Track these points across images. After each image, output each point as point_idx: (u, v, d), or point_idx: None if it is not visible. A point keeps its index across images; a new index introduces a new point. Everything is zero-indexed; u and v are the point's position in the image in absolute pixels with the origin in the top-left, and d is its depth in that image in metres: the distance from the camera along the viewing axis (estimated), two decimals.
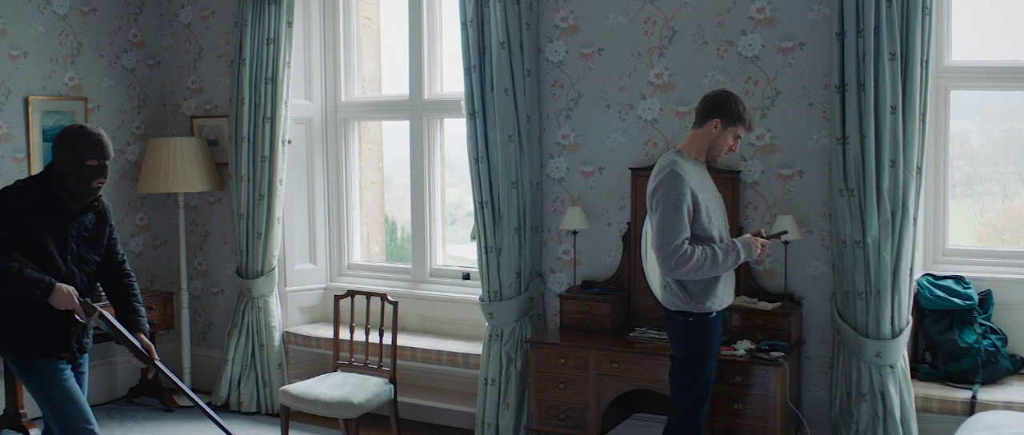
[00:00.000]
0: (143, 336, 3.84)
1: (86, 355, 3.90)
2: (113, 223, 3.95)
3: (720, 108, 3.87)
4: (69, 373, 3.73)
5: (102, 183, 3.71)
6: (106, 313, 3.69)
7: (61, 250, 3.69)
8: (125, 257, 4.03)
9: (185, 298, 6.21)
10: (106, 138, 3.72)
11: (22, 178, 3.82)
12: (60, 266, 3.68)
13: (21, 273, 3.53)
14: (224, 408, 5.91)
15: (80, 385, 3.82)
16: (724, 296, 3.96)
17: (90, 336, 3.88)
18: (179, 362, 6.20)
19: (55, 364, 3.69)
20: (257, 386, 5.89)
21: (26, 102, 5.72)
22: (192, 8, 6.33)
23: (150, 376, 3.86)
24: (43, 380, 3.67)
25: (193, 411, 5.69)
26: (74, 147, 3.64)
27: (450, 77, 5.79)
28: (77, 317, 3.64)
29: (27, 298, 3.56)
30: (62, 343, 3.71)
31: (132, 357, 3.82)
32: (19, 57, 5.72)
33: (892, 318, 4.27)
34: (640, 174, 4.85)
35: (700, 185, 3.89)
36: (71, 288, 3.61)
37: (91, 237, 3.80)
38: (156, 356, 3.84)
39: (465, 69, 5.06)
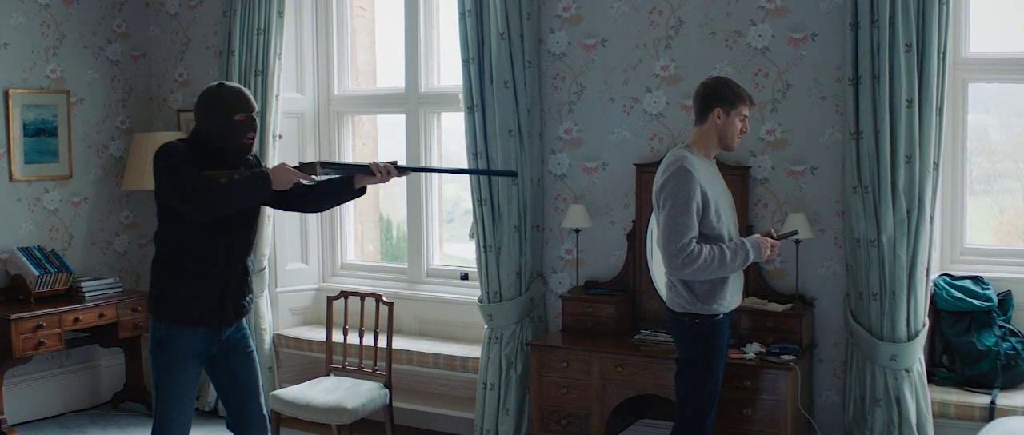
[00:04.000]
0: None
1: (246, 327, 3.73)
2: None
3: (715, 96, 3.79)
4: (194, 374, 3.59)
5: (254, 137, 3.56)
6: (325, 160, 3.58)
7: None
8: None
9: None
10: (247, 90, 3.59)
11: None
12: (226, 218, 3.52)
13: (235, 177, 3.35)
14: (212, 414, 5.82)
15: (245, 367, 3.71)
16: (732, 298, 3.87)
17: (249, 297, 3.73)
18: None
19: (189, 354, 3.54)
20: None
21: (6, 95, 5.63)
22: None
23: (407, 175, 3.74)
24: (166, 365, 3.54)
25: None
26: (218, 105, 3.49)
27: (448, 69, 5.72)
28: (305, 183, 3.52)
29: (256, 197, 3.40)
30: (217, 307, 3.56)
31: (373, 179, 3.59)
32: None
33: (908, 320, 4.20)
34: (645, 170, 4.79)
35: (710, 182, 3.81)
36: (282, 163, 3.49)
37: None
38: (396, 161, 3.66)
39: (463, 61, 4.99)
